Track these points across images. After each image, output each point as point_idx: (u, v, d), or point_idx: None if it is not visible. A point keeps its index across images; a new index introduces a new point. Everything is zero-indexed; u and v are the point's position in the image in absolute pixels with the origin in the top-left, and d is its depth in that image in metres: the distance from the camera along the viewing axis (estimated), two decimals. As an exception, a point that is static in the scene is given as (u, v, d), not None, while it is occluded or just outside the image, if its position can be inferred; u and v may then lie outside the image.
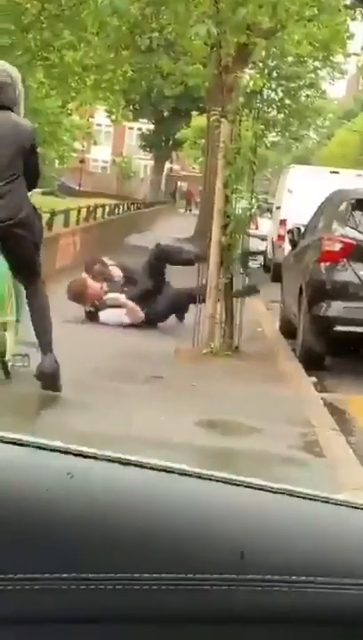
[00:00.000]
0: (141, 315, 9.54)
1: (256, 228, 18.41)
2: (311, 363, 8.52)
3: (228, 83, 8.46)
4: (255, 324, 10.01)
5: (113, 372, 7.15)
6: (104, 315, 9.56)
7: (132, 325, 9.45)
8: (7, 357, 6.04)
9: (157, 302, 9.64)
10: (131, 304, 9.55)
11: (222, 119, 8.20)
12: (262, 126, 9.86)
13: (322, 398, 7.21)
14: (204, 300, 8.48)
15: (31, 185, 5.94)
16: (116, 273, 9.94)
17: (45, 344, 5.89)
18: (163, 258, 9.95)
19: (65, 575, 0.83)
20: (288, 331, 9.98)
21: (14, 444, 0.88)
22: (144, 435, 5.39)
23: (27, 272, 5.94)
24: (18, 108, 5.89)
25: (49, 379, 5.86)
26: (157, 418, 5.78)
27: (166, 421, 5.75)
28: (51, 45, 17.96)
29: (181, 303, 9.62)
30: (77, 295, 9.56)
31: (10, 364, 6.06)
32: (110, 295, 9.65)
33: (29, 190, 5.97)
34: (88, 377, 6.78)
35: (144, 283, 9.73)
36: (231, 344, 8.35)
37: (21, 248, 5.78)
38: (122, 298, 9.60)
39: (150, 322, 9.51)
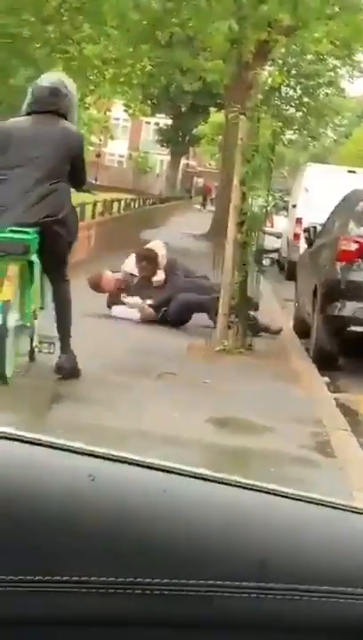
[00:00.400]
0: (154, 315, 9.52)
1: (272, 226, 18.40)
2: (324, 362, 8.50)
3: (247, 79, 8.44)
4: (269, 321, 9.98)
5: (126, 367, 7.14)
6: (116, 310, 9.59)
7: (146, 321, 9.45)
8: (35, 343, 6.43)
9: (169, 307, 9.56)
10: (147, 309, 9.53)
11: (241, 116, 8.18)
12: (281, 124, 9.83)
13: (335, 398, 7.19)
14: (215, 314, 8.49)
15: (75, 186, 6.40)
16: (159, 276, 9.84)
17: (65, 343, 6.27)
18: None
19: (84, 578, 0.83)
20: (302, 330, 9.96)
21: (34, 443, 0.87)
22: (155, 431, 5.39)
23: (57, 267, 6.27)
24: (72, 116, 6.33)
25: (67, 373, 6.23)
26: (169, 414, 5.77)
27: (178, 418, 5.74)
28: (70, 38, 17.98)
29: (192, 311, 9.46)
30: (94, 286, 9.69)
31: (37, 349, 6.42)
32: (128, 299, 9.64)
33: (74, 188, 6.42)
34: (102, 371, 6.78)
35: (174, 289, 9.66)
36: (244, 342, 8.33)
37: (57, 245, 6.10)
38: (139, 302, 9.58)
39: (163, 322, 9.46)
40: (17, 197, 5.93)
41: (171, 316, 9.45)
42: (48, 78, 6.48)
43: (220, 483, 0.91)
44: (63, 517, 0.83)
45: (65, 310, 6.28)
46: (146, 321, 9.41)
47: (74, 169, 6.21)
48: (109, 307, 9.63)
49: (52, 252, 6.09)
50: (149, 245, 10.52)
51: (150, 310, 9.52)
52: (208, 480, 0.91)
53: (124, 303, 9.60)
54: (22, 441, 0.87)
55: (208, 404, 6.23)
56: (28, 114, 6.27)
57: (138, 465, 0.89)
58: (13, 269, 5.89)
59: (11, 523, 0.82)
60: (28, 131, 6.14)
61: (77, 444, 0.89)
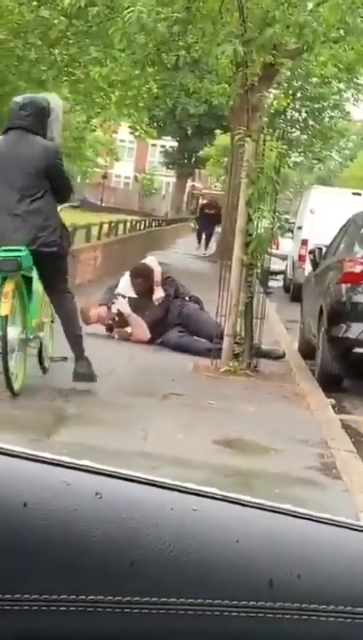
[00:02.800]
0: (147, 334, 9.47)
1: (277, 248, 18.43)
2: (330, 384, 8.49)
3: (253, 102, 8.47)
4: (274, 343, 9.98)
5: (132, 387, 7.14)
6: (114, 332, 9.59)
7: (152, 341, 9.43)
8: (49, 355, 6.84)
9: (165, 336, 9.50)
10: (136, 322, 9.49)
11: (247, 138, 8.21)
12: (286, 146, 9.86)
13: (340, 420, 7.17)
14: (219, 356, 8.42)
15: (61, 200, 6.52)
16: (158, 294, 9.80)
17: (78, 352, 6.57)
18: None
19: (91, 597, 0.82)
20: (307, 351, 9.95)
21: (41, 461, 0.86)
22: (160, 451, 5.38)
23: (53, 282, 6.51)
24: (50, 133, 6.47)
25: (83, 378, 6.57)
26: (174, 435, 5.76)
27: (183, 439, 5.73)
28: (77, 61, 18.07)
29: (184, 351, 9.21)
30: (83, 319, 9.52)
31: (50, 361, 6.82)
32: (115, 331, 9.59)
33: (60, 203, 6.56)
34: (105, 391, 6.78)
35: (161, 312, 9.64)
36: (250, 363, 8.32)
37: (48, 262, 6.31)
38: (123, 332, 9.54)
39: (161, 344, 9.41)
40: (2, 220, 6.20)
41: (167, 345, 9.39)
42: (25, 95, 6.82)
43: (228, 501, 0.90)
44: (70, 535, 0.82)
45: (70, 322, 6.56)
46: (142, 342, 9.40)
47: (53, 182, 6.35)
48: (108, 332, 9.62)
49: (45, 269, 6.34)
50: (143, 261, 10.50)
51: (142, 327, 9.47)
52: (216, 499, 0.90)
53: (121, 326, 9.57)
54: (27, 458, 0.86)
55: (214, 425, 6.22)
56: (5, 132, 6.52)
57: (145, 483, 0.88)
58: (9, 286, 6.08)
59: (16, 540, 0.81)
60: (4, 150, 6.34)
61: (84, 462, 0.88)
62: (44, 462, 0.86)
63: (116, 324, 9.60)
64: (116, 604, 0.82)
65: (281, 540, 0.89)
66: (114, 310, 9.63)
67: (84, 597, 0.81)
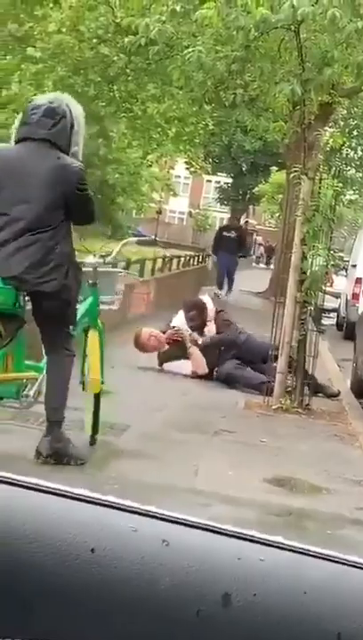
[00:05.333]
0: (205, 368, 9.44)
1: (331, 286, 18.33)
2: (383, 424, 8.39)
3: (309, 140, 8.47)
4: (327, 381, 9.92)
5: (182, 422, 7.13)
6: (168, 365, 9.54)
7: (204, 376, 9.41)
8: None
9: (223, 368, 9.46)
10: (196, 356, 9.47)
11: (303, 176, 8.22)
12: (341, 184, 9.85)
13: (393, 461, 7.08)
14: (271, 393, 8.34)
15: (81, 224, 5.29)
16: (210, 328, 9.79)
17: (52, 421, 5.16)
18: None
19: None
20: (360, 390, 9.86)
21: (108, 506, 0.86)
22: (211, 489, 5.35)
23: (47, 333, 5.18)
24: (72, 148, 5.18)
25: (45, 458, 5.09)
26: (225, 472, 5.74)
27: (234, 476, 5.70)
28: (135, 97, 18.27)
29: (237, 382, 9.16)
30: (137, 344, 9.50)
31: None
32: (170, 365, 9.52)
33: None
34: (157, 426, 6.78)
35: (214, 346, 9.61)
36: (302, 401, 8.27)
37: (45, 305, 5.05)
38: (193, 348, 9.54)
39: (217, 379, 9.38)
40: None
41: (220, 378, 9.36)
42: (46, 97, 5.45)
43: (295, 552, 0.89)
44: (137, 583, 0.82)
45: (55, 386, 5.13)
46: (198, 376, 9.37)
47: (72, 206, 5.04)
48: (160, 365, 9.58)
49: (40, 314, 5.10)
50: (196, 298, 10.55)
51: (201, 359, 9.43)
52: (283, 549, 0.89)
53: (176, 358, 9.54)
54: (94, 503, 0.85)
55: (265, 462, 6.19)
56: (18, 141, 5.17)
57: (212, 531, 0.87)
58: None
59: (83, 587, 0.81)
60: (14, 165, 5.06)
61: (150, 508, 0.87)
62: (111, 507, 0.86)
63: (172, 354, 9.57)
64: None
65: (349, 593, 0.88)
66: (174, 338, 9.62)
67: None
